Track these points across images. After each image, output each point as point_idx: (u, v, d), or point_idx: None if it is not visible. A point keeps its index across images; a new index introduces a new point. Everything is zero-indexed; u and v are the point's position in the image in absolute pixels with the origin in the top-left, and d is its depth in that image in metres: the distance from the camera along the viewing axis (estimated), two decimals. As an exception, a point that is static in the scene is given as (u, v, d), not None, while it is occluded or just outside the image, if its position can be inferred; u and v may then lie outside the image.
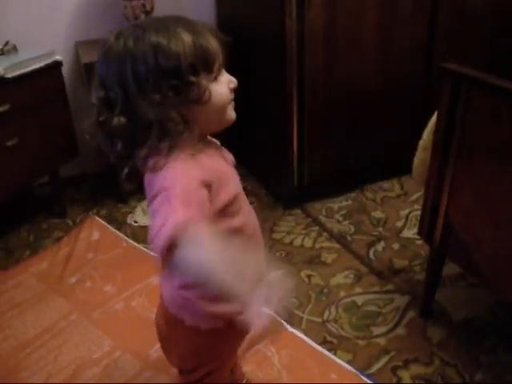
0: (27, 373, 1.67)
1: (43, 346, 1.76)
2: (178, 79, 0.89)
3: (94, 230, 2.33)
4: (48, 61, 2.19)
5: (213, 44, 0.93)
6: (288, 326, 1.80)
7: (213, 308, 1.04)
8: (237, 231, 1.02)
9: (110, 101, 0.91)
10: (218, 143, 1.09)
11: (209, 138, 1.06)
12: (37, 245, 2.32)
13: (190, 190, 0.88)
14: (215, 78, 0.95)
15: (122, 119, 0.90)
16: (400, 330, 1.77)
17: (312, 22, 2.12)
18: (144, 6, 2.31)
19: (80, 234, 2.31)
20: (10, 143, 2.08)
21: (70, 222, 2.46)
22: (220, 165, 1.01)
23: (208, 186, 0.92)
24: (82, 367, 1.68)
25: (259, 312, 0.95)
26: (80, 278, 2.05)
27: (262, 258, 1.08)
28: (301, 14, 2.09)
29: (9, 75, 2.04)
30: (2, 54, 2.16)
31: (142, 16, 2.32)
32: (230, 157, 1.08)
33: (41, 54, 2.18)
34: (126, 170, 0.97)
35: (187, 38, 0.91)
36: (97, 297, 1.96)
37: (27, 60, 2.12)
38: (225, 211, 0.99)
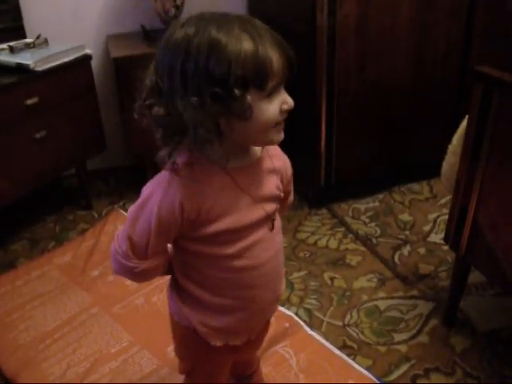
0: (46, 364, 1.68)
1: (62, 339, 1.77)
2: (222, 88, 0.82)
3: (119, 223, 2.34)
4: (78, 54, 2.21)
5: (274, 59, 0.84)
6: (308, 329, 1.78)
7: (182, 307, 1.06)
8: (229, 258, 0.98)
9: (159, 88, 0.88)
10: (270, 161, 1.02)
11: (256, 149, 0.99)
12: (62, 236, 2.34)
13: (146, 216, 0.92)
14: (268, 96, 0.86)
15: (162, 111, 0.87)
16: (422, 338, 1.72)
17: (344, 19, 2.08)
18: (175, 0, 2.30)
19: (105, 228, 2.32)
20: (38, 135, 2.11)
21: (96, 215, 2.48)
22: (225, 196, 0.94)
23: (189, 210, 0.91)
24: (99, 361, 1.69)
25: None
26: (102, 272, 2.06)
27: (277, 286, 1.10)
28: (332, 9, 2.05)
29: (39, 68, 2.06)
30: (33, 47, 2.18)
31: (173, 10, 2.32)
32: (272, 183, 1.01)
33: (71, 48, 2.19)
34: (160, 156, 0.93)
35: (248, 45, 0.82)
36: (118, 291, 1.97)
37: (57, 53, 2.14)
38: (212, 239, 0.96)
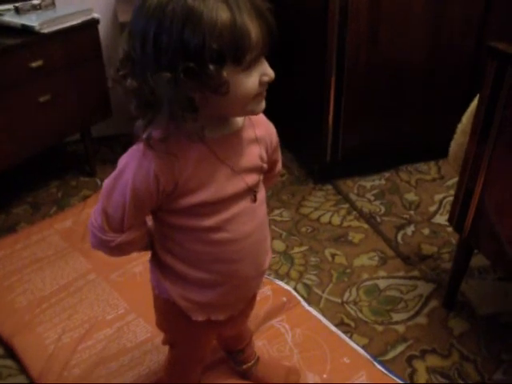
0: (41, 328, 1.69)
1: (59, 304, 1.77)
2: (196, 63, 0.78)
3: (121, 191, 2.32)
4: (85, 18, 2.17)
5: (253, 31, 0.79)
6: (305, 304, 1.76)
7: (162, 280, 1.04)
8: (207, 230, 0.95)
9: (132, 58, 0.83)
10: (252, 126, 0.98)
11: (237, 119, 0.95)
12: (64, 202, 2.33)
13: (120, 188, 0.90)
14: (247, 68, 0.82)
15: (134, 83, 0.82)
16: (420, 319, 1.70)
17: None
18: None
19: (107, 195, 2.30)
20: (42, 99, 2.08)
21: (99, 182, 2.47)
22: (203, 168, 0.91)
23: (164, 183, 0.89)
24: (94, 327, 1.68)
25: None
26: (102, 239, 2.05)
27: (260, 260, 1.07)
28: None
29: (44, 30, 2.03)
30: (40, 8, 2.14)
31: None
32: (254, 153, 0.98)
33: (78, 11, 2.15)
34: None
35: (225, 16, 0.77)
36: (117, 258, 1.94)
37: (64, 16, 2.10)
38: (190, 211, 0.93)
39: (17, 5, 2.12)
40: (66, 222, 2.15)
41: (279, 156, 1.12)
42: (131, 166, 0.88)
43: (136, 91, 0.83)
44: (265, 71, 0.85)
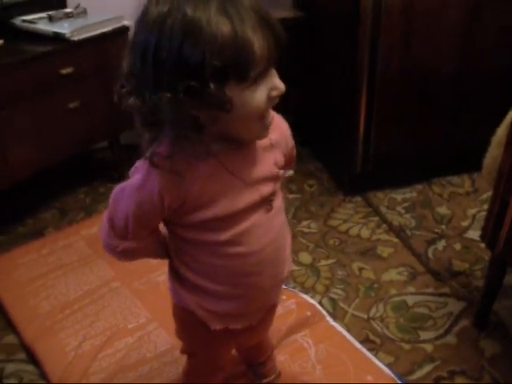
0: (63, 334, 1.68)
1: (81, 310, 1.77)
2: (197, 81, 0.73)
3: (149, 199, 2.32)
4: (115, 25, 2.18)
5: (256, 44, 0.74)
6: (330, 319, 1.71)
7: (180, 290, 1.03)
8: (221, 244, 0.92)
9: (133, 74, 0.79)
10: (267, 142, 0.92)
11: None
12: (91, 208, 2.34)
13: (125, 200, 0.89)
14: (253, 83, 0.77)
15: (137, 102, 0.78)
16: (450, 338, 1.64)
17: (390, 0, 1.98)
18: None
19: (134, 202, 2.30)
20: (71, 105, 2.10)
21: (127, 190, 2.46)
22: (213, 183, 0.87)
23: (169, 200, 0.86)
24: (115, 335, 1.67)
25: None
26: (127, 246, 2.05)
27: (278, 271, 1.03)
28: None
29: (75, 38, 2.04)
30: (72, 16, 2.17)
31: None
32: (269, 161, 0.93)
33: (109, 18, 2.17)
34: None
35: (226, 29, 0.72)
36: (141, 266, 1.93)
37: (95, 23, 2.12)
38: (202, 225, 0.90)
39: (50, 13, 2.14)
40: (92, 229, 2.16)
41: (295, 153, 1.07)
42: (136, 180, 0.86)
43: (139, 109, 0.80)
44: (274, 85, 0.80)
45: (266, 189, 0.93)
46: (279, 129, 0.97)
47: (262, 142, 0.92)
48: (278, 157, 0.96)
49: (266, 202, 0.94)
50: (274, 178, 0.95)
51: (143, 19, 0.77)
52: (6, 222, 2.25)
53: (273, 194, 0.95)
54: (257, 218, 0.93)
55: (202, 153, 0.82)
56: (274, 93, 0.81)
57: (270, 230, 0.96)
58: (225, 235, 0.91)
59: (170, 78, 0.74)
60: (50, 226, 2.23)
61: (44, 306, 1.80)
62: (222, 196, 0.88)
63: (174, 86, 0.74)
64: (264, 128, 0.86)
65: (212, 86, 0.73)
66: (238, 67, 0.74)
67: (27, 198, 2.38)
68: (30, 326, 1.72)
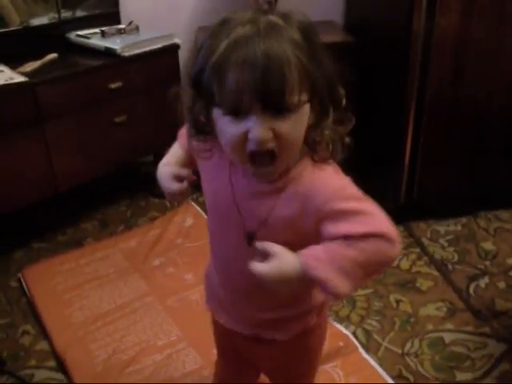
0: (93, 346, 1.70)
1: (113, 323, 1.78)
2: (196, 90, 0.80)
3: (188, 215, 2.33)
4: (166, 43, 2.21)
5: (235, 78, 0.72)
6: (363, 351, 1.67)
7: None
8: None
9: None
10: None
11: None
12: (132, 221, 2.36)
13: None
14: (229, 114, 0.75)
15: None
16: (489, 381, 1.56)
17: (443, 29, 1.94)
18: (269, -2, 2.25)
19: (174, 218, 2.31)
20: (118, 119, 2.13)
21: (168, 204, 2.48)
22: (210, 175, 0.94)
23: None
24: (145, 351, 1.67)
25: None
26: (164, 262, 2.05)
27: (244, 304, 1.00)
28: (431, 15, 1.91)
29: (125, 53, 2.09)
30: (124, 33, 2.21)
31: (265, 6, 2.26)
32: (274, 205, 0.85)
33: (160, 36, 2.20)
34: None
35: (218, 51, 0.74)
36: (176, 283, 1.95)
37: (146, 40, 2.16)
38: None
39: (103, 29, 2.20)
40: (130, 242, 2.18)
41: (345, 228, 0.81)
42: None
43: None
44: (251, 128, 0.75)
45: (252, 225, 0.88)
46: (313, 193, 0.84)
47: (278, 185, 0.85)
48: (284, 211, 0.85)
49: (247, 235, 0.89)
50: (267, 224, 0.86)
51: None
52: (48, 229, 2.29)
53: (255, 235, 0.88)
54: (233, 241, 0.92)
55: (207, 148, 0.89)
56: (250, 135, 0.75)
57: (244, 266, 0.82)
58: (208, 225, 1.00)
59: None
60: (89, 237, 2.27)
61: (77, 316, 1.82)
62: (211, 191, 0.94)
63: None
64: (256, 172, 0.82)
65: (197, 98, 0.80)
66: (211, 89, 0.76)
67: (70, 208, 2.42)
68: (63, 335, 1.74)
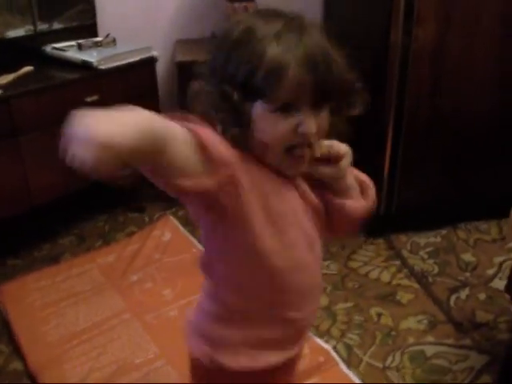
0: (69, 365, 1.65)
1: (89, 341, 1.74)
2: (230, 87, 0.77)
3: (167, 230, 2.30)
4: (143, 56, 2.20)
5: (292, 72, 0.74)
6: (344, 366, 1.65)
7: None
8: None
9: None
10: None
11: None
12: (110, 236, 2.33)
13: None
14: (281, 110, 0.76)
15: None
16: (470, 394, 1.55)
17: (420, 39, 1.95)
18: (246, 8, 2.25)
19: (152, 233, 2.28)
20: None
21: (147, 219, 2.45)
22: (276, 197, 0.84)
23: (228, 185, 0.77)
24: (121, 369, 1.64)
25: None
26: (142, 278, 2.02)
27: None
28: (408, 28, 1.93)
29: (102, 66, 2.07)
30: (101, 45, 2.19)
31: (243, 18, 2.27)
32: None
33: (137, 49, 2.19)
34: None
35: (269, 50, 0.74)
36: (154, 300, 1.91)
37: (123, 53, 2.14)
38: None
39: (80, 41, 2.18)
40: (108, 257, 2.14)
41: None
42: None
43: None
44: (303, 122, 0.78)
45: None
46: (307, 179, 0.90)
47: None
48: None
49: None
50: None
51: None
52: (24, 245, 2.25)
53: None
54: (304, 252, 0.90)
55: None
56: (300, 129, 0.78)
57: (314, 269, 0.94)
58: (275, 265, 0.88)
59: (218, 78, 0.79)
60: (66, 252, 2.23)
61: (53, 334, 1.77)
62: (290, 210, 0.87)
63: (218, 84, 0.79)
64: (293, 163, 0.83)
65: (236, 96, 0.76)
66: (265, 84, 0.75)
67: (47, 223, 2.38)
68: (37, 354, 1.70)
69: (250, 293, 0.90)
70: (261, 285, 0.88)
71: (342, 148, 0.88)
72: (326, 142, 0.86)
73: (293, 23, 0.78)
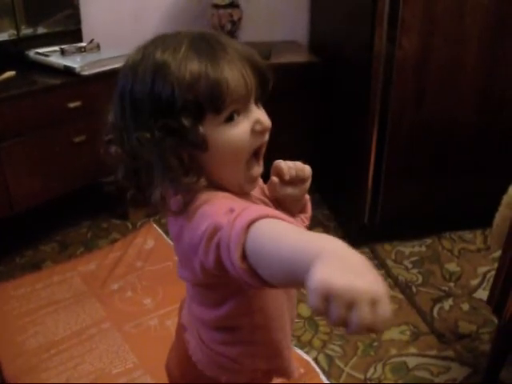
0: (45, 375, 1.63)
1: (68, 351, 1.71)
2: (171, 118, 0.72)
3: (149, 237, 2.27)
4: (127, 62, 2.17)
5: (228, 77, 0.72)
6: (324, 378, 1.63)
7: (256, 364, 0.95)
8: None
9: (114, 123, 0.79)
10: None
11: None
12: (92, 243, 2.30)
13: None
14: (231, 119, 0.75)
15: (119, 150, 0.78)
16: (451, 407, 1.54)
17: (404, 49, 1.94)
18: (231, 15, 2.24)
19: (135, 240, 2.26)
20: (77, 139, 2.08)
21: (130, 226, 2.43)
22: None
23: None
24: (99, 380, 1.61)
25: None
26: (122, 286, 1.99)
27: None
28: (392, 37, 1.91)
29: (85, 72, 2.04)
30: (85, 51, 2.17)
31: (228, 26, 2.25)
32: None
33: (121, 55, 2.15)
34: (129, 195, 0.82)
35: (194, 66, 0.72)
36: (134, 309, 1.89)
37: (106, 59, 2.11)
38: None
39: (63, 47, 2.15)
40: (89, 265, 2.11)
41: None
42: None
43: (122, 158, 0.78)
44: (256, 119, 0.77)
45: None
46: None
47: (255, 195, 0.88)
48: None
49: None
50: None
51: (122, 69, 0.79)
52: (5, 252, 2.21)
53: None
54: None
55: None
56: (257, 127, 0.77)
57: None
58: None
59: (146, 119, 0.74)
60: (48, 259, 2.20)
61: (31, 343, 1.74)
62: None
63: (150, 125, 0.73)
64: (250, 178, 0.81)
65: (185, 121, 0.72)
66: (211, 100, 0.73)
67: (30, 229, 2.35)
68: (14, 363, 1.67)
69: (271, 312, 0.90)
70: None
71: (307, 170, 0.90)
72: (290, 164, 0.88)
73: (195, 36, 0.76)
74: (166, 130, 0.73)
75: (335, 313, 0.48)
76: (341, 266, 0.50)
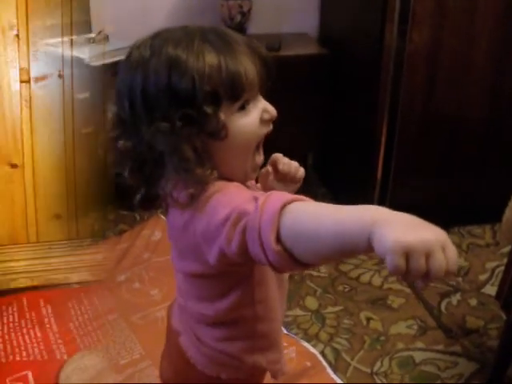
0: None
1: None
2: (192, 108, 0.74)
3: (157, 229, 2.28)
4: (135, 53, 2.17)
5: (245, 67, 0.76)
6: (331, 371, 1.63)
7: (254, 359, 0.95)
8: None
9: (121, 118, 0.79)
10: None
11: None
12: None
13: None
14: (242, 108, 0.78)
15: (128, 143, 0.78)
16: (458, 402, 1.54)
17: (414, 42, 1.93)
18: (241, 6, 2.23)
19: (142, 232, 2.26)
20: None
21: (138, 217, 2.43)
22: None
23: None
24: (105, 371, 1.61)
25: None
26: (130, 277, 2.00)
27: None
28: (403, 31, 1.91)
29: (93, 63, 2.04)
30: (93, 42, 2.16)
31: (238, 17, 2.24)
32: None
33: (129, 46, 2.15)
34: (138, 197, 0.83)
35: (212, 58, 0.74)
36: (141, 300, 1.90)
37: (115, 50, 2.10)
38: None
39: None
40: (97, 256, 2.12)
41: None
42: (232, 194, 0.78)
43: (130, 152, 0.79)
44: (265, 108, 0.80)
45: None
46: None
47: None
48: None
49: None
50: None
51: (126, 64, 0.80)
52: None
53: None
54: None
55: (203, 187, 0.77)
56: (266, 115, 0.80)
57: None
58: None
59: (163, 110, 0.75)
60: (55, 250, 2.20)
61: (37, 334, 1.75)
62: None
63: (168, 116, 0.74)
64: (255, 166, 0.84)
65: (207, 109, 0.74)
66: (232, 90, 0.75)
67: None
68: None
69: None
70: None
71: (301, 172, 0.95)
72: (286, 160, 0.93)
73: (204, 31, 0.78)
74: (185, 120, 0.74)
75: (416, 265, 0.54)
76: (404, 225, 0.58)
